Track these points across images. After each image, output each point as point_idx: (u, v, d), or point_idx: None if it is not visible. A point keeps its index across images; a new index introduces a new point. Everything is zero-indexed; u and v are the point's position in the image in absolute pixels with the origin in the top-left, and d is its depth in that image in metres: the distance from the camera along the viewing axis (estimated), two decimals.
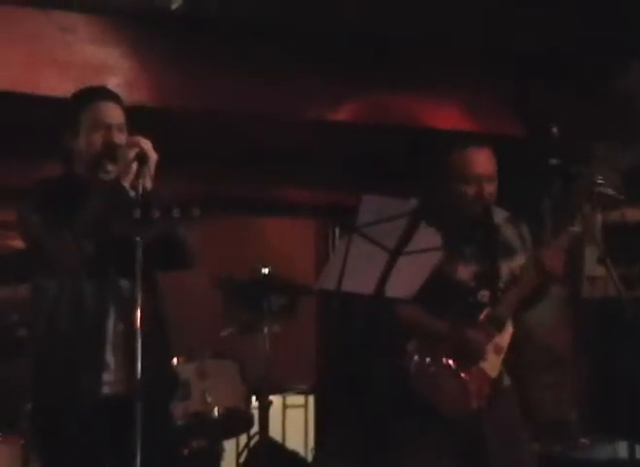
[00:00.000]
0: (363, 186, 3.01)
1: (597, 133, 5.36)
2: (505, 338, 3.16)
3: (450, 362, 3.11)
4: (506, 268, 3.18)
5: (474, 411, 3.08)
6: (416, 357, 3.12)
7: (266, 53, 4.82)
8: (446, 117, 5.20)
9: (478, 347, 3.09)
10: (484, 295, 3.15)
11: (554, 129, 4.80)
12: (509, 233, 3.25)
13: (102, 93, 2.99)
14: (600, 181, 3.12)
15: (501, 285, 3.16)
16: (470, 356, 3.10)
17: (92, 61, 4.49)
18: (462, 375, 3.09)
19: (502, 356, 3.15)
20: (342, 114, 5.07)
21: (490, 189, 3.16)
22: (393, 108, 5.15)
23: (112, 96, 2.98)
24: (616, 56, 5.05)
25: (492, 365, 3.13)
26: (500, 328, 3.13)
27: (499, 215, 3.26)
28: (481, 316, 3.12)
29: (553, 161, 4.60)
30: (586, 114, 5.28)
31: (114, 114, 2.92)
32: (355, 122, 5.12)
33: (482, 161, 3.18)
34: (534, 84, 5.20)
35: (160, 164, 2.81)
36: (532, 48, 4.95)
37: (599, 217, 3.15)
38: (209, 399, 4.25)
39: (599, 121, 5.31)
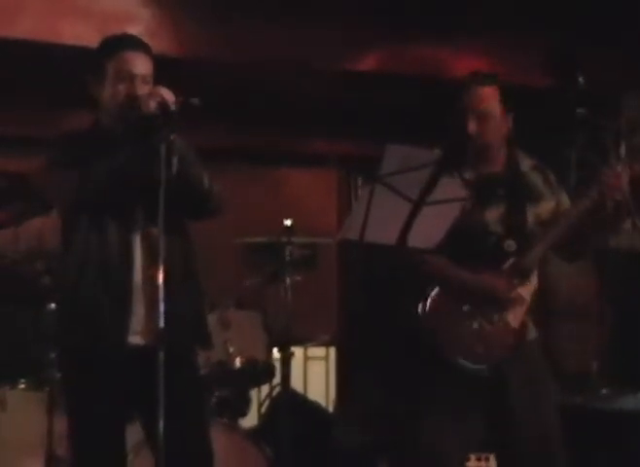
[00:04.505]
0: (386, 137, 2.98)
1: (626, 85, 5.28)
2: (528, 289, 3.14)
3: (469, 309, 3.10)
4: (532, 213, 3.17)
5: (495, 360, 3.07)
6: (430, 301, 3.11)
7: (288, 3, 4.77)
8: (472, 67, 5.13)
9: (499, 297, 3.08)
10: (510, 244, 3.13)
11: (581, 80, 4.74)
12: (535, 179, 3.22)
13: (129, 43, 2.92)
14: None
15: (528, 234, 3.14)
16: (491, 305, 3.09)
17: (113, 9, 4.46)
18: (482, 323, 3.09)
19: (525, 307, 3.14)
20: (365, 64, 5.03)
21: (486, 126, 3.12)
22: (416, 58, 5.09)
23: (139, 46, 2.92)
24: None
25: (515, 315, 3.12)
26: (524, 279, 3.11)
27: (525, 162, 3.23)
28: (506, 266, 3.11)
29: (580, 112, 4.57)
30: (615, 65, 5.20)
31: (139, 64, 2.86)
32: (378, 72, 5.07)
33: (477, 97, 3.14)
34: (562, 34, 5.12)
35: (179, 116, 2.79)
36: None
37: (626, 168, 3.10)
38: (231, 349, 4.27)
39: (628, 73, 5.23)
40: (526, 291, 3.14)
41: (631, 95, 5.15)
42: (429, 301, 3.11)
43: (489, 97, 3.14)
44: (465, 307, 3.10)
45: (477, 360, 3.07)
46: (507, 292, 3.09)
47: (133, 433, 3.05)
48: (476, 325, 3.09)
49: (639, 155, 3.09)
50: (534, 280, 3.16)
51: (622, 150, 3.15)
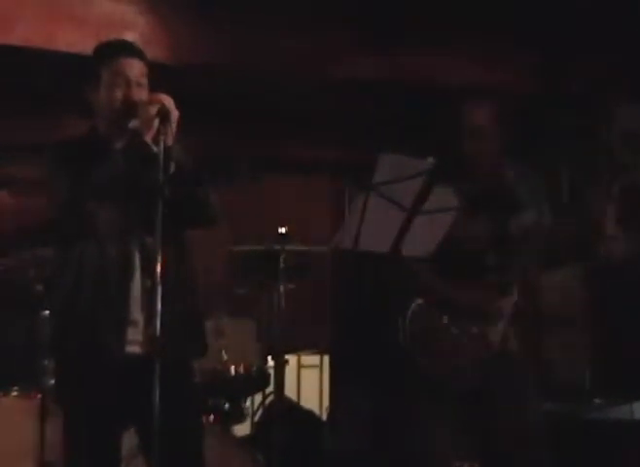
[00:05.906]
0: (379, 145, 2.99)
1: (618, 94, 5.30)
2: (508, 302, 3.14)
3: (447, 320, 3.10)
4: (516, 224, 3.16)
5: (468, 370, 3.07)
6: (411, 312, 3.11)
7: (281, 10, 4.78)
8: (462, 74, 5.15)
9: (479, 310, 3.08)
10: (491, 258, 3.12)
11: (573, 87, 4.76)
12: (520, 188, 3.22)
13: (124, 48, 2.94)
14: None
15: (510, 247, 3.13)
16: (470, 318, 3.09)
17: (109, 16, 4.46)
18: (460, 335, 3.08)
19: (505, 320, 3.12)
20: (358, 72, 5.04)
21: (480, 146, 3.10)
22: (408, 65, 5.10)
23: (133, 51, 2.93)
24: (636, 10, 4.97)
25: (494, 329, 3.11)
26: (504, 293, 3.11)
27: (511, 171, 3.22)
28: (487, 279, 3.11)
29: (572, 120, 4.58)
30: (608, 74, 5.22)
31: (134, 69, 2.87)
32: (370, 79, 5.08)
33: (472, 116, 3.12)
34: (555, 40, 5.13)
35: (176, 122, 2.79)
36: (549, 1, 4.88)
37: (618, 176, 3.11)
38: (225, 357, 4.27)
39: (621, 81, 5.24)
40: (507, 304, 3.13)
41: (624, 104, 5.17)
42: (410, 312, 3.11)
43: (484, 114, 3.11)
44: (444, 319, 3.10)
45: (451, 372, 3.07)
46: (487, 305, 3.08)
47: (127, 441, 3.05)
48: (453, 337, 3.09)
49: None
50: (515, 292, 3.15)
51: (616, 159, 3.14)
